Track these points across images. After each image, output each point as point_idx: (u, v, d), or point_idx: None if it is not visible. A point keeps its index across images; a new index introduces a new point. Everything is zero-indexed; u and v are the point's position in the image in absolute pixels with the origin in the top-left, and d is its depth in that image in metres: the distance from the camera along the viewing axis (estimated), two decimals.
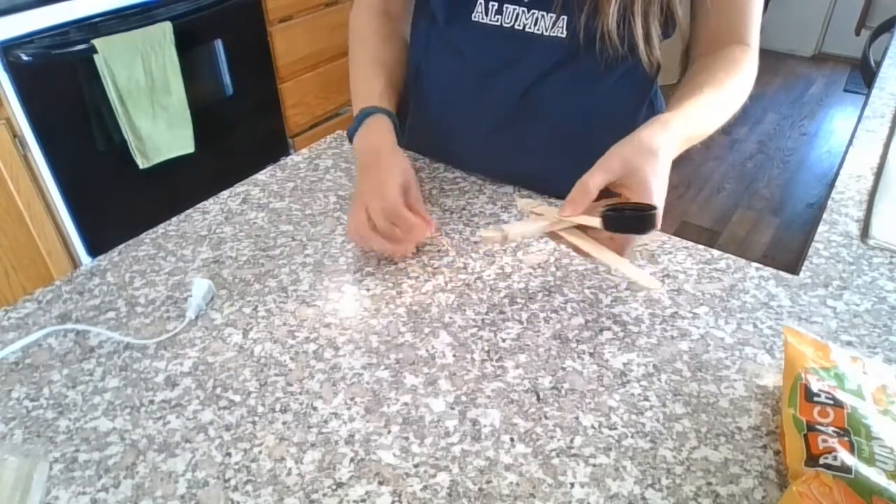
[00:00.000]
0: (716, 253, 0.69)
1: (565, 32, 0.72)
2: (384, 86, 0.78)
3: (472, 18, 0.76)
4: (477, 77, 0.79)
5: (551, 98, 0.78)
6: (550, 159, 0.81)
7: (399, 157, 0.70)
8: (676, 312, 0.61)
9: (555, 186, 0.73)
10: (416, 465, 0.48)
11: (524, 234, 0.61)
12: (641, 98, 0.82)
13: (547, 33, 0.73)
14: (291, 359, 0.57)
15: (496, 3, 0.74)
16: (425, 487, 0.46)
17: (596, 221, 0.56)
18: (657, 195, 0.56)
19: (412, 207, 0.66)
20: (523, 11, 0.73)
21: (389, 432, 0.50)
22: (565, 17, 0.72)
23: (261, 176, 0.84)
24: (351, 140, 0.75)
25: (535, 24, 0.73)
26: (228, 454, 0.49)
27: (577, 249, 0.59)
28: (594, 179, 0.56)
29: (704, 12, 0.73)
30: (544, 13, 0.72)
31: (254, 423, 0.51)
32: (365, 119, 0.74)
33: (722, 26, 0.72)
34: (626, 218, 0.55)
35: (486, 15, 0.75)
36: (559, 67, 0.75)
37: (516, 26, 0.74)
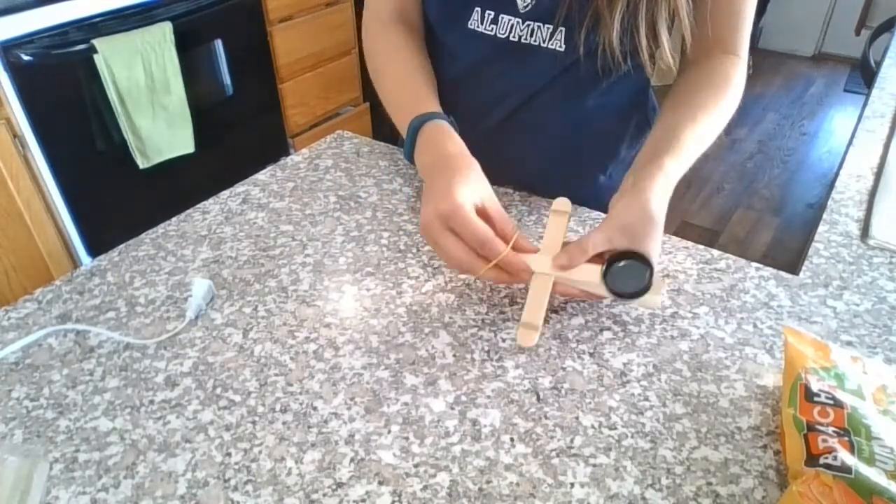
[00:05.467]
0: (716, 253, 0.69)
1: (564, 46, 0.71)
2: (430, 91, 0.73)
3: (469, 26, 0.74)
4: (471, 84, 0.78)
5: (546, 108, 0.77)
6: (544, 165, 0.81)
7: (468, 159, 0.63)
8: (676, 312, 0.61)
9: (548, 192, 0.73)
10: (416, 465, 0.48)
11: (545, 308, 0.57)
12: (636, 100, 0.81)
13: (544, 45, 0.72)
14: (291, 359, 0.57)
15: (492, 13, 0.72)
16: (425, 487, 0.46)
17: (594, 276, 0.56)
18: (653, 260, 0.56)
19: (488, 215, 0.59)
20: (518, 23, 0.71)
21: (389, 432, 0.50)
22: (563, 30, 0.70)
23: (261, 176, 0.84)
24: (410, 159, 0.68)
25: (532, 36, 0.71)
26: (228, 454, 0.49)
27: (580, 294, 0.59)
28: (594, 243, 0.56)
29: (700, 20, 0.72)
30: (541, 24, 0.71)
31: (254, 423, 0.51)
32: (420, 128, 0.67)
33: (714, 35, 0.71)
34: (628, 287, 0.56)
35: (482, 23, 0.73)
36: (556, 79, 0.74)
37: (511, 37, 0.72)
